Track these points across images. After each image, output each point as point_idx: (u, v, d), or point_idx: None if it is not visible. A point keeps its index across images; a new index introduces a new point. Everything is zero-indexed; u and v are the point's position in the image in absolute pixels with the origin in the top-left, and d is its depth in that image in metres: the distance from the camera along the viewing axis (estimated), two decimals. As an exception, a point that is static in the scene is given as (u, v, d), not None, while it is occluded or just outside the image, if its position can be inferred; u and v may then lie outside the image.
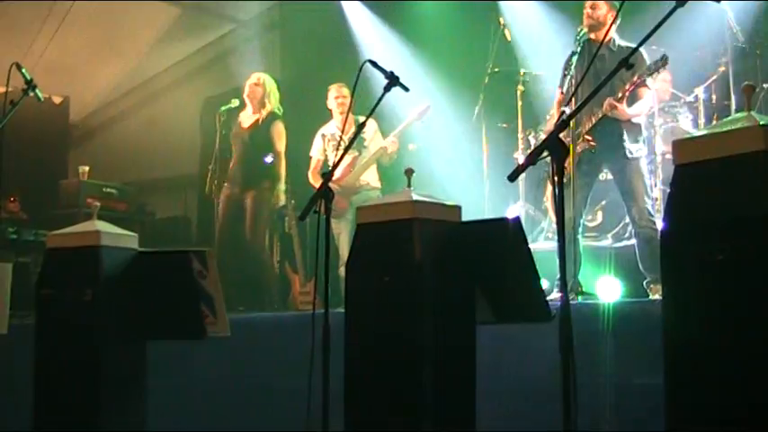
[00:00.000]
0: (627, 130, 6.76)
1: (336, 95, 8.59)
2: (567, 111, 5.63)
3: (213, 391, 6.29)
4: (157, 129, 12.32)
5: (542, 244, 7.85)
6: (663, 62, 6.50)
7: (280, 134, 8.61)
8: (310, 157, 8.75)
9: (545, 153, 3.28)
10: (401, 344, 4.25)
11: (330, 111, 8.72)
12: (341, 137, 8.20)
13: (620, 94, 6.58)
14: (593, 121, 6.72)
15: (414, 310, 4.22)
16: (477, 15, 9.62)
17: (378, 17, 10.64)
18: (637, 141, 6.84)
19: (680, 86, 8.12)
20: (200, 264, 4.90)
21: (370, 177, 8.57)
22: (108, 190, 10.68)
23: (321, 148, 8.68)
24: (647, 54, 6.68)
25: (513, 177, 3.36)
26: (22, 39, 11.04)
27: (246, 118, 8.76)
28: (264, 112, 8.66)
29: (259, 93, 8.66)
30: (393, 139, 8.39)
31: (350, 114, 8.18)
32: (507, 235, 4.15)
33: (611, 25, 6.61)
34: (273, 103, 8.70)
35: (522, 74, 8.61)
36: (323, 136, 8.73)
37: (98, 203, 5.96)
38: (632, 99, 6.81)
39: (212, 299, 4.91)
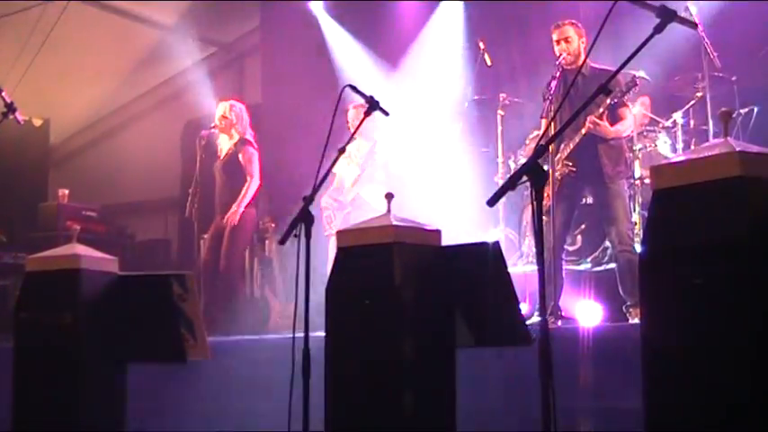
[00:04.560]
0: (607, 153, 6.80)
1: (353, 116, 8.50)
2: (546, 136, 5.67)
3: (193, 416, 6.27)
4: (138, 151, 12.31)
5: (523, 268, 7.87)
6: (633, 82, 6.57)
7: (249, 158, 8.57)
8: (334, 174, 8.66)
9: (524, 178, 3.30)
10: (382, 367, 4.26)
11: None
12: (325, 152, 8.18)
13: (601, 110, 6.62)
14: (572, 146, 6.76)
15: (394, 334, 4.23)
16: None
17: (358, 41, 10.69)
18: (617, 165, 6.88)
19: (658, 111, 8.17)
20: (180, 287, 4.90)
21: (372, 198, 8.51)
22: (88, 213, 10.66)
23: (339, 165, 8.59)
24: (621, 75, 6.73)
25: (492, 202, 3.38)
26: (2, 61, 11.03)
27: (221, 147, 8.74)
28: (235, 140, 8.65)
29: (228, 124, 8.64)
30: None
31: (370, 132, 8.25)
32: (487, 259, 4.17)
33: (587, 55, 6.66)
34: (242, 128, 8.68)
35: (502, 98, 8.65)
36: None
37: (78, 226, 5.95)
38: (614, 119, 6.86)
39: (193, 322, 4.90)
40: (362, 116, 5.01)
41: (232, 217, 8.24)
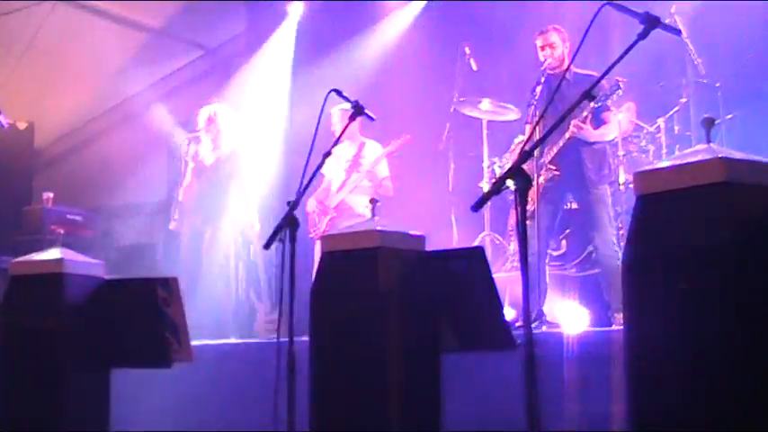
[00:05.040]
0: (590, 158, 6.83)
1: (337, 120, 8.47)
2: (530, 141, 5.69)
3: (177, 421, 6.25)
4: (124, 155, 12.28)
5: (508, 272, 7.88)
6: (617, 86, 6.60)
7: (244, 168, 8.61)
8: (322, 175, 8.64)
9: (508, 183, 3.31)
10: (366, 372, 4.27)
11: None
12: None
13: (584, 113, 6.65)
14: (555, 151, 6.79)
15: (378, 339, 4.24)
16: (445, 43, 9.72)
17: (345, 43, 10.70)
18: (601, 170, 6.91)
19: (643, 117, 8.20)
20: (165, 291, 4.90)
21: (358, 204, 8.49)
22: (73, 216, 10.62)
23: (327, 169, 8.56)
24: (606, 80, 6.76)
25: (476, 207, 3.39)
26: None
27: (208, 154, 8.71)
28: (226, 150, 8.64)
29: (214, 129, 8.63)
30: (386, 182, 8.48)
31: (357, 135, 8.32)
32: (471, 264, 4.19)
33: (572, 60, 6.69)
34: (234, 138, 8.67)
35: (488, 102, 8.66)
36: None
37: (62, 230, 5.94)
38: (598, 123, 6.89)
39: (177, 326, 4.89)
40: (347, 120, 5.03)
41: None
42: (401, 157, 8.93)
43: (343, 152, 8.43)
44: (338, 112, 8.30)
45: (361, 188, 8.51)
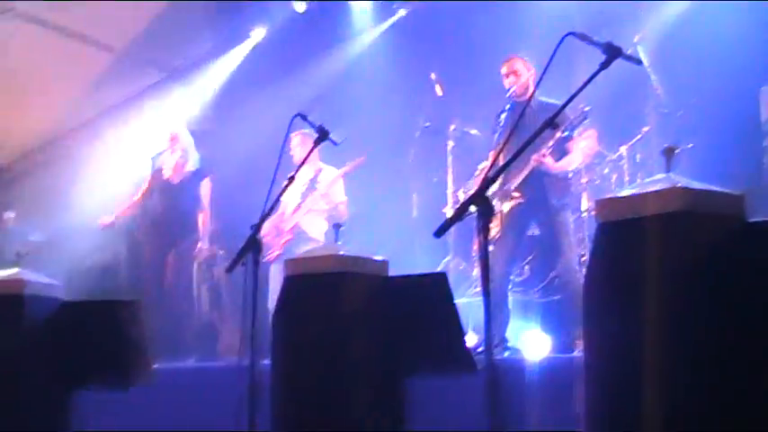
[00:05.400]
0: (553, 186, 6.88)
1: (296, 144, 8.51)
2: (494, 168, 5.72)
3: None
4: (86, 175, 12.20)
5: (472, 298, 7.90)
6: (583, 117, 6.66)
7: (207, 191, 8.61)
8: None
9: (471, 210, 3.34)
10: (329, 397, 4.26)
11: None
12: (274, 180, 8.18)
13: (543, 150, 6.70)
14: (520, 179, 6.84)
15: (341, 364, 4.24)
16: (412, 67, 9.79)
17: (310, 66, 10.74)
18: (564, 197, 6.96)
19: (605, 144, 8.27)
20: (127, 313, 4.87)
21: (311, 228, 8.52)
22: (34, 237, 10.53)
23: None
24: (570, 109, 6.81)
25: (439, 233, 3.41)
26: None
27: (173, 173, 8.70)
28: (189, 169, 8.64)
29: (179, 148, 8.63)
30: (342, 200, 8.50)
31: (316, 160, 8.27)
32: (433, 289, 4.20)
33: (536, 88, 6.73)
34: (194, 157, 8.68)
35: (452, 129, 8.71)
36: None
37: (23, 250, 5.89)
38: (561, 153, 6.94)
39: (139, 348, 4.87)
40: (310, 144, 5.04)
41: None
42: (365, 181, 8.97)
43: (299, 175, 8.40)
44: (297, 136, 8.34)
45: (315, 211, 8.53)
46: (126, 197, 9.09)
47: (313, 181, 8.57)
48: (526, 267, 7.80)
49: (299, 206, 8.54)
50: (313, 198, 8.52)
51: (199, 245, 8.65)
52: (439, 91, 9.02)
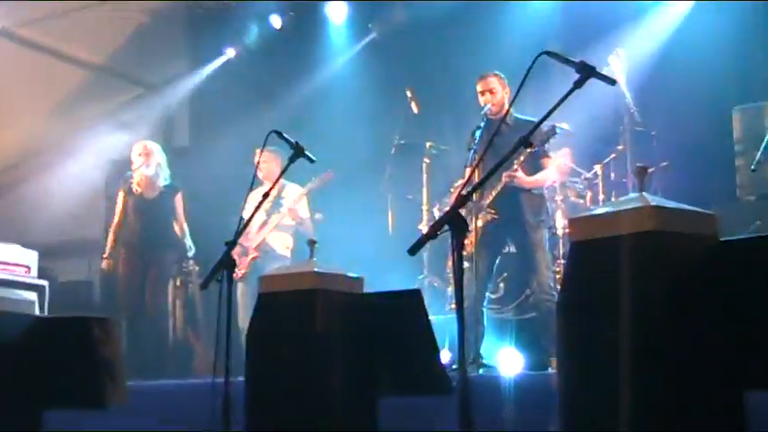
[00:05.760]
0: (528, 203, 6.90)
1: (257, 160, 8.51)
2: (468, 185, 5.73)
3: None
4: (61, 192, 12.14)
5: (446, 315, 7.91)
6: (552, 132, 6.68)
7: (182, 206, 8.60)
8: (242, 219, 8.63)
9: (445, 228, 3.35)
10: (302, 414, 4.25)
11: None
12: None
13: (515, 165, 6.72)
14: (494, 194, 6.85)
15: (315, 381, 4.23)
16: (388, 84, 9.82)
17: (286, 84, 10.76)
18: (539, 215, 6.98)
19: (581, 163, 8.32)
20: (100, 331, 4.84)
21: (278, 245, 8.55)
22: (7, 254, 10.45)
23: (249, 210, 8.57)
24: (543, 126, 6.83)
25: (413, 251, 3.41)
26: None
27: (147, 189, 8.67)
28: (162, 183, 8.62)
29: (154, 163, 8.61)
30: (318, 215, 8.48)
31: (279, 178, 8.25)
32: (408, 307, 4.20)
33: (510, 105, 6.77)
34: (166, 172, 8.67)
35: (428, 146, 8.74)
36: (252, 198, 8.70)
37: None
38: (535, 169, 6.96)
39: (112, 367, 4.83)
40: (274, 160, 5.03)
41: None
42: (340, 198, 8.98)
43: (262, 193, 8.35)
44: (263, 152, 8.33)
45: (281, 227, 8.53)
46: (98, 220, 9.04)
47: (277, 198, 8.54)
48: (501, 285, 7.82)
49: (264, 223, 8.52)
50: (279, 215, 8.51)
51: (178, 261, 8.63)
52: (414, 108, 9.04)
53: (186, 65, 12.14)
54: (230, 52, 11.43)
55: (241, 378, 4.57)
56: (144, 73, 12.23)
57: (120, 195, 8.73)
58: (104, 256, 8.69)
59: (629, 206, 3.31)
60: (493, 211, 6.91)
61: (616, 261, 3.21)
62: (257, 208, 5.24)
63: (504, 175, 6.71)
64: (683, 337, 3.13)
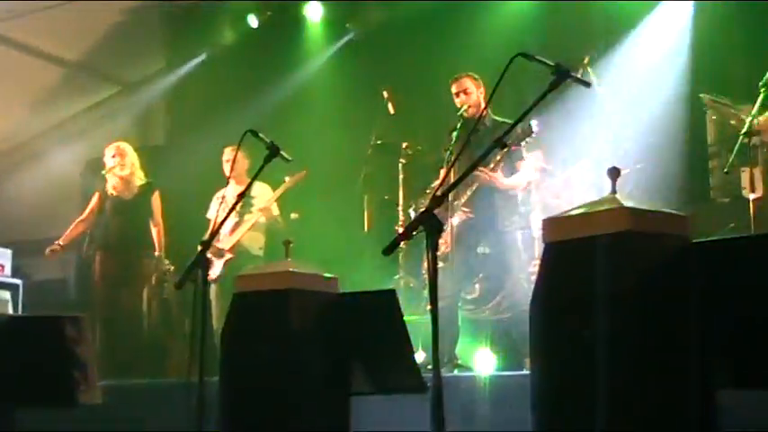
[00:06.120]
0: (503, 204, 6.92)
1: (227, 159, 8.52)
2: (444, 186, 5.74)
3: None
4: (36, 190, 12.09)
5: (422, 315, 7.91)
6: (528, 131, 6.70)
7: (158, 205, 8.58)
8: (207, 220, 8.64)
9: (419, 228, 3.35)
10: (277, 414, 4.25)
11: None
12: (221, 200, 8.16)
13: (492, 165, 6.73)
14: (468, 194, 6.86)
15: (289, 381, 4.23)
16: (364, 85, 9.83)
17: (262, 81, 10.75)
18: (512, 215, 7.00)
19: (556, 164, 8.34)
20: (73, 330, 4.82)
21: (251, 244, 8.54)
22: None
23: (215, 211, 8.58)
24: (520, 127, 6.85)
25: (388, 251, 3.42)
26: None
27: (123, 190, 8.64)
28: (139, 183, 8.60)
29: (128, 163, 8.58)
30: (294, 214, 8.49)
31: (245, 177, 8.24)
32: (383, 307, 4.21)
33: (486, 105, 6.78)
34: (141, 173, 8.65)
35: (405, 146, 8.74)
36: (218, 198, 8.69)
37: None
38: (511, 171, 6.98)
39: (85, 365, 4.82)
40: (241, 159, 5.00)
41: None
42: (316, 198, 8.98)
43: (232, 194, 8.33)
44: (230, 151, 8.35)
45: (255, 226, 8.53)
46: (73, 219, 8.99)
47: (246, 197, 8.49)
48: (477, 286, 7.82)
49: (236, 224, 8.50)
50: (253, 215, 8.50)
51: (156, 260, 8.61)
52: (391, 109, 9.04)
53: (163, 63, 12.10)
54: (209, 51, 11.40)
55: (216, 378, 4.56)
56: (120, 71, 12.20)
57: (96, 196, 8.70)
58: (58, 242, 8.64)
59: (602, 207, 3.33)
60: (468, 210, 6.91)
61: (590, 262, 3.22)
62: (232, 209, 5.22)
63: (481, 170, 6.68)
64: (656, 336, 3.15)
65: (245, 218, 8.50)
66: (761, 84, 6.12)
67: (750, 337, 3.11)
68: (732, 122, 6.72)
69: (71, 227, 8.79)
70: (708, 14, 8.32)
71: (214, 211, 8.60)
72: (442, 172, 7.00)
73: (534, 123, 6.65)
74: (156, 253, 8.60)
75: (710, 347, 3.17)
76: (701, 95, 6.61)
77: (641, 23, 8.67)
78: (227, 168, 8.46)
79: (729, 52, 8.17)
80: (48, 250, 8.68)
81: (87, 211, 8.76)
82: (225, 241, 8.46)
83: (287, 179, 8.44)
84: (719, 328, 3.17)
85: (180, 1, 11.54)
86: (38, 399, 4.90)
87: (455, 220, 6.87)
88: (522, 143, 6.82)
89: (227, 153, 8.51)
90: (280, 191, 8.49)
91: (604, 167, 3.57)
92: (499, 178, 6.86)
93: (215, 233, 4.95)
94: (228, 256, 8.44)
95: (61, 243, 8.70)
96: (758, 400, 3.94)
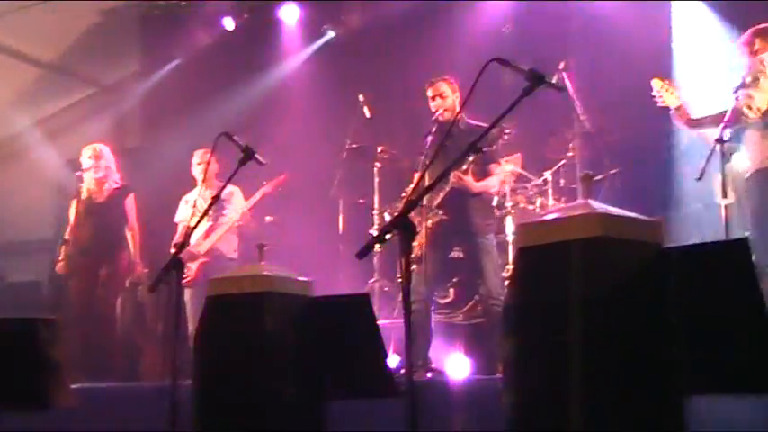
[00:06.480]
0: (476, 208, 6.93)
1: (199, 162, 8.52)
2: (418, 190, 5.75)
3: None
4: (10, 191, 12.03)
5: (396, 319, 7.93)
6: (499, 133, 6.72)
7: (133, 208, 8.57)
8: (176, 224, 8.65)
9: (393, 232, 3.37)
10: (250, 418, 4.24)
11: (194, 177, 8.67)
12: (194, 204, 8.15)
13: (464, 167, 6.74)
14: (441, 196, 6.87)
15: (263, 384, 4.23)
16: (340, 88, 9.84)
17: (238, 86, 10.74)
18: (486, 218, 7.01)
19: (531, 169, 8.37)
20: (47, 332, 4.80)
21: (226, 247, 8.53)
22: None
23: (184, 215, 8.59)
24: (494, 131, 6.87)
25: (361, 255, 3.43)
26: None
27: (97, 192, 8.62)
28: (112, 186, 8.58)
29: (103, 166, 8.56)
30: (269, 217, 8.48)
31: (214, 181, 8.23)
32: (356, 311, 4.21)
33: (461, 109, 6.79)
34: (116, 175, 8.64)
35: (380, 150, 8.75)
36: (186, 202, 8.67)
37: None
38: (483, 174, 6.98)
39: (58, 368, 4.80)
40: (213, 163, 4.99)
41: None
42: (291, 201, 8.98)
43: (201, 197, 8.32)
44: (204, 155, 8.35)
45: (230, 232, 8.53)
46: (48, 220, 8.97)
47: (221, 202, 8.47)
48: (450, 290, 7.85)
49: (211, 228, 8.47)
50: (229, 219, 8.48)
51: (130, 263, 8.59)
52: (367, 113, 9.05)
53: (139, 65, 12.07)
54: (186, 52, 11.38)
55: (189, 381, 4.56)
56: (96, 72, 12.15)
57: (74, 203, 8.66)
58: (59, 259, 8.62)
59: (575, 213, 3.35)
60: (440, 212, 6.91)
61: (560, 267, 3.24)
62: (206, 212, 5.22)
63: (453, 175, 6.69)
64: (628, 341, 3.17)
65: (220, 221, 8.48)
66: (733, 90, 6.17)
67: (720, 343, 3.14)
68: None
69: (61, 249, 8.71)
70: (687, 18, 8.38)
71: (182, 215, 8.60)
72: (417, 176, 7.01)
73: (508, 131, 6.69)
74: (131, 257, 8.57)
75: (682, 353, 3.19)
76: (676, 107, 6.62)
77: (618, 27, 8.71)
78: (195, 171, 8.47)
79: (708, 56, 8.23)
80: (57, 268, 8.62)
81: (72, 222, 8.69)
82: (200, 244, 8.44)
83: (266, 183, 8.43)
84: (691, 333, 3.19)
85: (157, 2, 11.51)
86: (10, 402, 4.87)
87: (429, 223, 6.88)
88: (494, 145, 6.84)
89: (197, 156, 8.52)
90: (259, 194, 8.48)
91: (578, 173, 3.60)
92: (470, 181, 6.86)
93: (188, 236, 4.94)
94: (203, 259, 8.42)
95: (61, 259, 8.64)
96: (730, 405, 3.97)
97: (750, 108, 5.99)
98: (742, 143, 6.34)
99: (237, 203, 8.56)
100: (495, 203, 7.39)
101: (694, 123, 6.44)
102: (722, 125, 6.04)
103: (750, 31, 6.48)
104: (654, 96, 6.58)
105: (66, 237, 8.59)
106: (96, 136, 9.87)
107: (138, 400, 6.38)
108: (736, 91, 6.16)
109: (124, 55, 11.86)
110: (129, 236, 8.57)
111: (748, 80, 6.11)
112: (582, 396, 3.14)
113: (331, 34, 10.77)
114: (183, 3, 11.35)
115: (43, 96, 12.00)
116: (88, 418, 5.98)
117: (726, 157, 6.01)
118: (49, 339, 4.79)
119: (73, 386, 4.96)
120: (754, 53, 6.35)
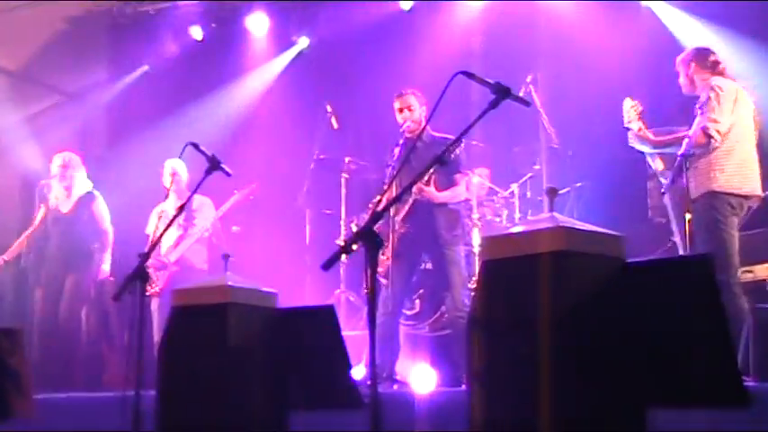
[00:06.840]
0: (443, 219, 6.92)
1: (170, 172, 8.48)
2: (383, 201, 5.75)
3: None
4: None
5: (362, 330, 7.92)
6: (457, 141, 6.72)
7: (101, 213, 8.53)
8: (147, 235, 8.60)
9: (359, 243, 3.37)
10: (212, 429, 4.22)
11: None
12: (160, 215, 8.11)
13: (426, 178, 6.73)
14: (406, 209, 6.87)
15: (226, 395, 4.21)
16: (307, 99, 9.84)
17: (206, 96, 10.72)
18: (453, 230, 7.01)
19: (497, 182, 8.40)
20: (7, 341, 4.77)
21: (196, 258, 8.49)
22: None
23: (155, 225, 8.54)
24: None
25: (326, 266, 3.42)
26: None
27: (63, 201, 8.57)
28: (80, 193, 8.54)
29: (69, 175, 8.52)
30: (235, 227, 8.48)
31: (185, 191, 8.21)
32: (321, 323, 4.21)
33: (427, 122, 6.80)
34: (85, 181, 8.60)
35: (347, 161, 8.76)
36: (157, 213, 8.63)
37: None
38: (448, 184, 6.97)
39: (19, 378, 4.76)
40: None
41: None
42: (257, 211, 8.96)
43: (172, 208, 8.28)
44: (173, 165, 8.34)
45: (198, 242, 8.50)
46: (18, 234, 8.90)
47: (190, 211, 8.44)
48: (417, 301, 7.86)
49: (180, 237, 8.43)
50: (199, 228, 8.45)
51: (101, 271, 8.55)
52: (334, 123, 9.06)
53: (104, 73, 12.00)
54: (152, 62, 11.35)
55: (153, 392, 4.53)
56: (61, 80, 12.06)
57: (41, 209, 8.62)
58: (3, 257, 8.57)
59: (539, 226, 3.36)
60: (407, 225, 6.91)
61: (527, 280, 3.25)
62: (171, 222, 5.18)
63: (415, 186, 6.68)
64: (592, 354, 3.18)
65: (190, 231, 8.44)
66: (697, 105, 6.21)
67: (680, 357, 3.16)
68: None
69: (17, 242, 8.68)
70: (651, 34, 8.44)
71: (153, 226, 8.56)
72: (385, 187, 7.01)
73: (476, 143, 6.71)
74: (100, 262, 8.52)
75: (643, 367, 3.21)
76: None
77: (587, 40, 8.76)
78: (166, 181, 8.43)
79: (670, 72, 8.29)
80: None
81: (36, 224, 8.65)
82: (170, 254, 8.40)
83: (237, 191, 8.41)
84: (648, 346, 3.21)
85: (124, 9, 11.46)
86: (-30, 412, 4.83)
87: (395, 235, 6.88)
88: (453, 154, 6.82)
89: (168, 167, 8.48)
90: (229, 203, 8.46)
91: (545, 185, 3.62)
92: (432, 191, 6.85)
93: (154, 246, 4.92)
94: (173, 268, 8.38)
95: (6, 258, 8.60)
96: (688, 418, 4.00)
97: (719, 132, 6.00)
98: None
99: (208, 214, 8.53)
100: (462, 214, 7.38)
101: (659, 143, 6.45)
102: (687, 141, 6.07)
103: (690, 51, 6.52)
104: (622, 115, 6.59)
105: (21, 239, 8.55)
106: (60, 144, 9.81)
107: (101, 409, 6.34)
108: (697, 114, 6.17)
109: (89, 62, 11.78)
110: (103, 239, 8.53)
111: (708, 106, 6.10)
112: (551, 409, 3.15)
113: (305, 42, 10.71)
114: (152, 10, 11.30)
115: (6, 105, 11.89)
116: (50, 428, 5.94)
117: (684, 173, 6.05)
118: (9, 349, 4.75)
119: (35, 396, 4.91)
120: (688, 75, 6.40)
